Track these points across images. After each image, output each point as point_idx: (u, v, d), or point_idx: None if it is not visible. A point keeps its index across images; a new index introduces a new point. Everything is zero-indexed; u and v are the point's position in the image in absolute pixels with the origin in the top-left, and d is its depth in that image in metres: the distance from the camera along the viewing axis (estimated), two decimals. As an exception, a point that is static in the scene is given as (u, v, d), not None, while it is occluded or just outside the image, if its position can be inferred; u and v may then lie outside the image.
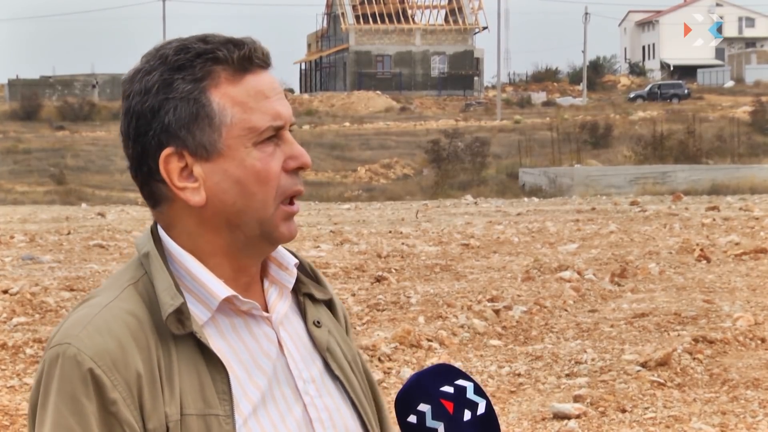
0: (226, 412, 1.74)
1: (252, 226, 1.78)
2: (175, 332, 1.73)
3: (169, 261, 1.80)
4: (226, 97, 1.77)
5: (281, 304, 1.86)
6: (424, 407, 1.87)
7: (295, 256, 1.93)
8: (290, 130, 1.83)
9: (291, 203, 1.81)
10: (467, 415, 1.86)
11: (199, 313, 1.77)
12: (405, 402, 1.89)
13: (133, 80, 1.78)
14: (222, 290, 1.78)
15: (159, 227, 1.82)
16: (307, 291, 1.93)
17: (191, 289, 1.78)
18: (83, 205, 34.75)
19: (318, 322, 1.92)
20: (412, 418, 1.88)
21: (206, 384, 1.74)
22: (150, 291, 1.77)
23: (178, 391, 1.72)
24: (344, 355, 1.94)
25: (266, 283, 1.87)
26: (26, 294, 12.44)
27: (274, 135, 1.79)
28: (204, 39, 1.78)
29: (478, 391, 1.88)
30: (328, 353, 1.90)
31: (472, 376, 1.94)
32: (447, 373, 1.90)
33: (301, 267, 1.95)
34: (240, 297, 1.79)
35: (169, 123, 1.76)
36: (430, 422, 1.86)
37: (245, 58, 1.78)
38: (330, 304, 1.99)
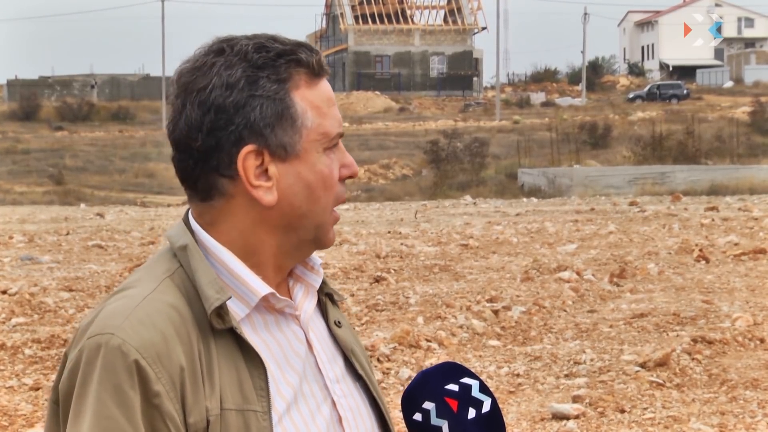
0: (264, 408, 1.75)
1: (309, 229, 1.80)
2: (216, 326, 1.73)
3: (205, 256, 1.80)
4: (306, 101, 1.78)
5: (308, 303, 1.88)
6: (428, 405, 1.88)
7: None
8: None
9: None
10: (471, 413, 1.86)
11: (237, 310, 1.78)
12: (411, 400, 1.90)
13: (207, 73, 1.76)
14: (262, 287, 1.78)
15: (193, 222, 1.82)
16: (329, 291, 1.95)
17: (229, 285, 1.78)
18: (82, 205, 34.73)
19: (338, 322, 1.94)
20: (418, 416, 1.88)
21: (244, 379, 1.74)
22: (187, 284, 1.77)
23: (218, 385, 1.72)
24: (362, 355, 1.96)
25: (290, 282, 1.89)
26: (25, 294, 12.44)
27: (336, 142, 1.82)
28: (275, 39, 1.80)
29: (484, 389, 1.89)
30: (351, 353, 1.92)
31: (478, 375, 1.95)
32: (453, 371, 1.91)
33: None
34: (277, 295, 1.80)
35: (254, 120, 1.75)
36: (434, 420, 1.87)
37: (320, 63, 1.81)
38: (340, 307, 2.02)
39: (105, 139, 56.94)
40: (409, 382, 1.96)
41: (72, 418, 1.68)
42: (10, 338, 10.19)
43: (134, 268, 14.97)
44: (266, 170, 1.77)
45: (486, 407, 1.88)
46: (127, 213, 29.40)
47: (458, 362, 1.97)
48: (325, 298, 1.95)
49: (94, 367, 1.68)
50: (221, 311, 1.74)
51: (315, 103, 1.79)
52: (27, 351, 9.78)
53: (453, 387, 1.88)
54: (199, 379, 1.71)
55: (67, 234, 21.39)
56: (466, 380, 1.89)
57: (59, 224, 24.43)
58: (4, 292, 12.74)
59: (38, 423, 7.70)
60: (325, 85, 1.82)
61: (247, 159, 1.75)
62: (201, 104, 1.76)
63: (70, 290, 13.11)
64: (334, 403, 1.84)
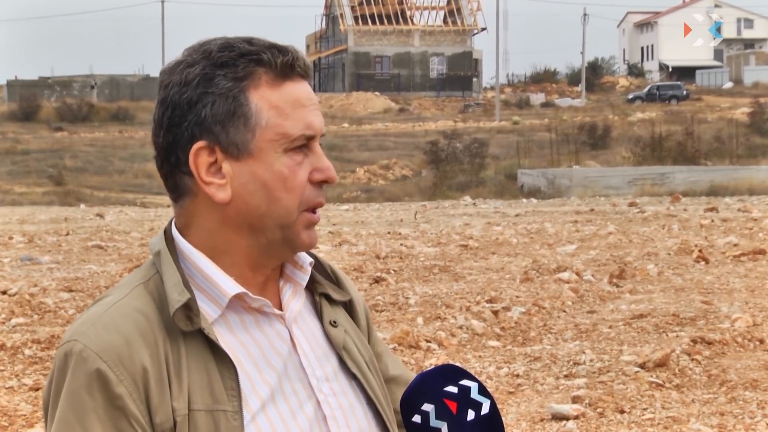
0: (234, 407, 1.75)
1: (274, 230, 1.80)
2: (183, 329, 1.75)
3: (181, 260, 1.82)
4: (264, 100, 1.79)
5: (294, 302, 1.88)
6: (427, 407, 1.88)
7: (316, 258, 1.96)
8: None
9: (313, 212, 1.84)
10: (471, 415, 1.86)
11: (209, 311, 1.79)
12: (410, 402, 1.90)
13: (173, 71, 1.79)
14: (232, 287, 1.79)
15: (173, 227, 1.84)
16: (324, 291, 1.95)
17: (202, 287, 1.80)
18: (82, 206, 34.72)
19: (334, 322, 1.93)
20: (417, 418, 1.88)
21: (215, 380, 1.75)
22: (160, 289, 1.79)
23: (186, 386, 1.74)
24: (361, 355, 1.95)
25: (281, 282, 1.89)
26: (25, 295, 12.43)
27: (305, 145, 1.82)
28: (249, 41, 1.81)
29: (483, 391, 1.89)
30: (344, 352, 1.91)
31: (477, 377, 1.95)
32: (452, 373, 1.91)
33: (321, 268, 1.98)
34: (250, 294, 1.80)
35: (205, 117, 1.77)
36: (433, 422, 1.87)
37: (287, 64, 1.81)
38: (350, 306, 2.01)
39: (104, 139, 56.93)
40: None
41: (48, 426, 1.74)
42: (10, 338, 10.19)
43: (134, 268, 14.94)
44: (220, 168, 1.78)
45: (485, 409, 1.88)
46: (126, 213, 29.39)
47: (457, 364, 1.97)
48: (320, 298, 1.94)
49: (63, 375, 1.72)
50: (190, 313, 1.75)
51: (275, 103, 1.79)
52: (27, 351, 9.78)
53: (452, 389, 1.88)
54: (165, 380, 1.72)
55: (67, 234, 21.38)
56: (465, 382, 1.89)
57: (59, 225, 24.43)
58: (4, 293, 12.74)
59: (38, 423, 7.71)
60: (294, 86, 1.81)
61: (198, 155, 1.77)
62: (162, 101, 1.80)
63: (70, 291, 13.11)
64: (319, 402, 1.84)
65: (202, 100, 1.77)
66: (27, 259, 16.55)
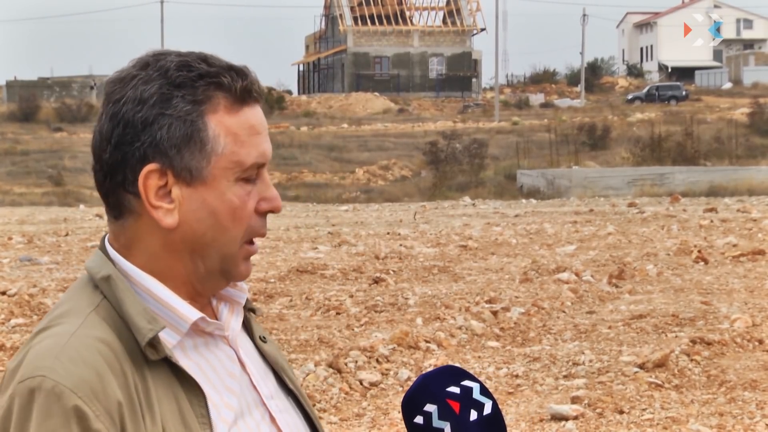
0: None
1: (214, 259, 1.75)
2: (151, 357, 1.68)
3: (130, 285, 1.74)
4: (222, 126, 1.72)
5: (234, 321, 1.83)
6: (430, 407, 1.88)
7: None
8: None
9: (252, 243, 1.78)
10: (473, 415, 1.87)
11: (167, 337, 1.72)
12: (412, 403, 1.90)
13: (127, 85, 1.73)
14: (192, 313, 1.74)
15: (110, 249, 1.76)
16: (251, 306, 1.90)
17: (158, 312, 1.74)
18: (81, 206, 34.74)
19: (263, 338, 1.90)
20: (419, 419, 1.89)
21: (185, 408, 1.70)
22: (114, 317, 1.71)
23: (159, 417, 1.67)
24: (289, 369, 1.93)
25: (214, 301, 1.84)
26: (24, 295, 12.44)
27: (255, 173, 1.76)
28: (206, 59, 1.74)
29: (485, 391, 1.89)
30: (281, 369, 1.89)
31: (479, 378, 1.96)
32: (453, 374, 1.91)
33: None
34: (207, 318, 1.76)
35: (160, 139, 1.70)
36: (436, 422, 1.87)
37: (246, 89, 1.74)
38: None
39: (104, 140, 56.89)
40: (409, 385, 1.96)
41: None
42: (9, 339, 10.20)
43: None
44: (170, 192, 1.71)
45: (487, 409, 1.88)
46: (126, 214, 29.36)
47: (457, 365, 1.98)
48: (248, 313, 1.90)
49: (29, 413, 1.60)
50: (154, 341, 1.68)
51: (232, 130, 1.72)
52: (26, 352, 9.78)
53: (454, 389, 1.89)
54: (138, 412, 1.66)
55: (66, 235, 21.39)
56: (467, 383, 1.90)
57: (58, 225, 24.44)
58: (4, 293, 12.75)
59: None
60: (251, 112, 1.75)
61: (149, 177, 1.70)
62: (113, 116, 1.71)
63: (70, 291, 13.11)
64: (272, 419, 1.81)
65: (158, 121, 1.69)
66: (26, 260, 16.55)
